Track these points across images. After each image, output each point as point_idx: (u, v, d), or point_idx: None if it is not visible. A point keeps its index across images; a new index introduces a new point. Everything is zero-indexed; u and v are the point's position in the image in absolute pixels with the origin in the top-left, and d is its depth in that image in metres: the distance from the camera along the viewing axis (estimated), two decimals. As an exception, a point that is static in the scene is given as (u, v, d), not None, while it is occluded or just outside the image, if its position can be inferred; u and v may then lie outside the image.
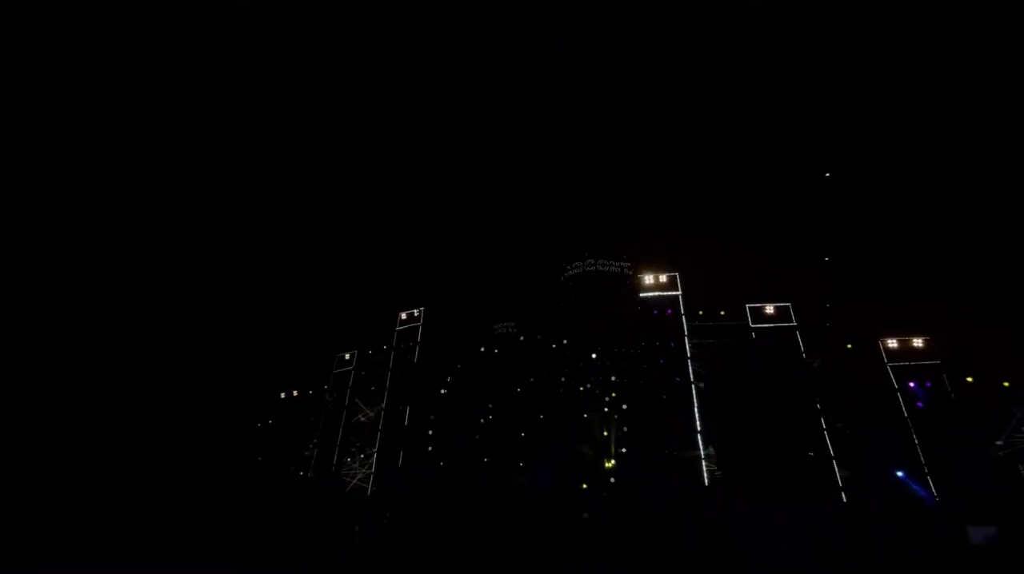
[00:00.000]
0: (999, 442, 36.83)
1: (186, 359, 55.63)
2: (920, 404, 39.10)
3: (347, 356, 55.54)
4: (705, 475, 38.57)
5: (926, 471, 36.60)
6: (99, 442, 49.27)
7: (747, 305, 44.49)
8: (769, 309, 44.01)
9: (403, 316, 54.73)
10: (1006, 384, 37.85)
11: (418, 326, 53.56)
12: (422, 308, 54.18)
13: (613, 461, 40.09)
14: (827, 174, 43.71)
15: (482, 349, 49.53)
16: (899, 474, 36.79)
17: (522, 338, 48.68)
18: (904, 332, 41.28)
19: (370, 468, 48.77)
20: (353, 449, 50.83)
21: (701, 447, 39.56)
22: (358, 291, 57.75)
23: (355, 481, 48.83)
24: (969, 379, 39.01)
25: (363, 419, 52.51)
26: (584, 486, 38.71)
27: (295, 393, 56.70)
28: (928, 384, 39.54)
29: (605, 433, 41.01)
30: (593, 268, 48.12)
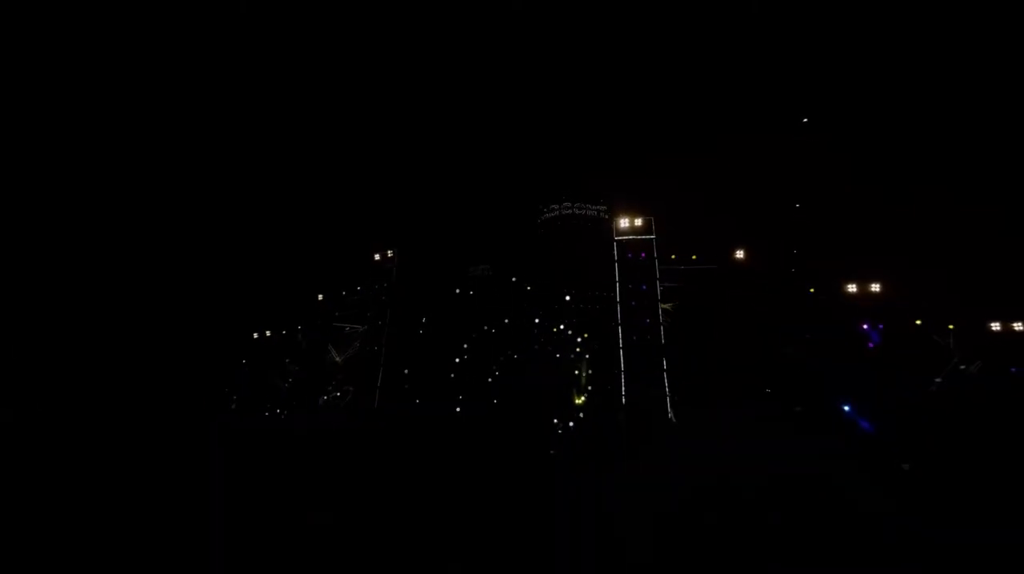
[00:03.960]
0: (937, 380, 39.75)
1: (158, 303, 54.26)
2: (871, 345, 41.61)
3: (320, 297, 54.99)
4: (670, 411, 40.77)
5: (869, 406, 39.40)
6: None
7: (717, 250, 45.61)
8: (739, 254, 45.16)
9: (376, 257, 54.03)
10: (951, 327, 40.56)
11: (392, 267, 53.12)
12: (396, 249, 53.55)
13: (583, 398, 41.87)
14: (804, 120, 43.92)
15: (457, 290, 49.73)
16: (846, 408, 39.62)
17: (497, 279, 48.99)
18: (864, 278, 43.16)
19: (347, 406, 49.66)
20: (329, 387, 51.50)
21: (667, 385, 41.50)
22: (330, 231, 56.47)
23: (331, 418, 49.76)
24: (918, 322, 41.60)
25: (338, 360, 52.82)
26: (556, 421, 40.53)
27: (268, 333, 56.30)
28: (880, 326, 41.90)
29: (578, 372, 42.52)
30: (570, 211, 48.08)
